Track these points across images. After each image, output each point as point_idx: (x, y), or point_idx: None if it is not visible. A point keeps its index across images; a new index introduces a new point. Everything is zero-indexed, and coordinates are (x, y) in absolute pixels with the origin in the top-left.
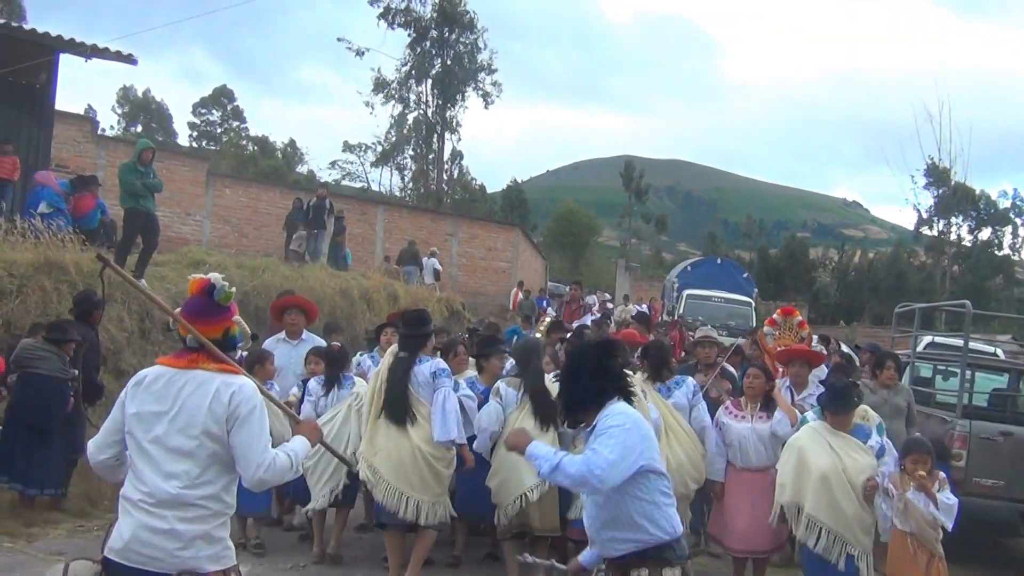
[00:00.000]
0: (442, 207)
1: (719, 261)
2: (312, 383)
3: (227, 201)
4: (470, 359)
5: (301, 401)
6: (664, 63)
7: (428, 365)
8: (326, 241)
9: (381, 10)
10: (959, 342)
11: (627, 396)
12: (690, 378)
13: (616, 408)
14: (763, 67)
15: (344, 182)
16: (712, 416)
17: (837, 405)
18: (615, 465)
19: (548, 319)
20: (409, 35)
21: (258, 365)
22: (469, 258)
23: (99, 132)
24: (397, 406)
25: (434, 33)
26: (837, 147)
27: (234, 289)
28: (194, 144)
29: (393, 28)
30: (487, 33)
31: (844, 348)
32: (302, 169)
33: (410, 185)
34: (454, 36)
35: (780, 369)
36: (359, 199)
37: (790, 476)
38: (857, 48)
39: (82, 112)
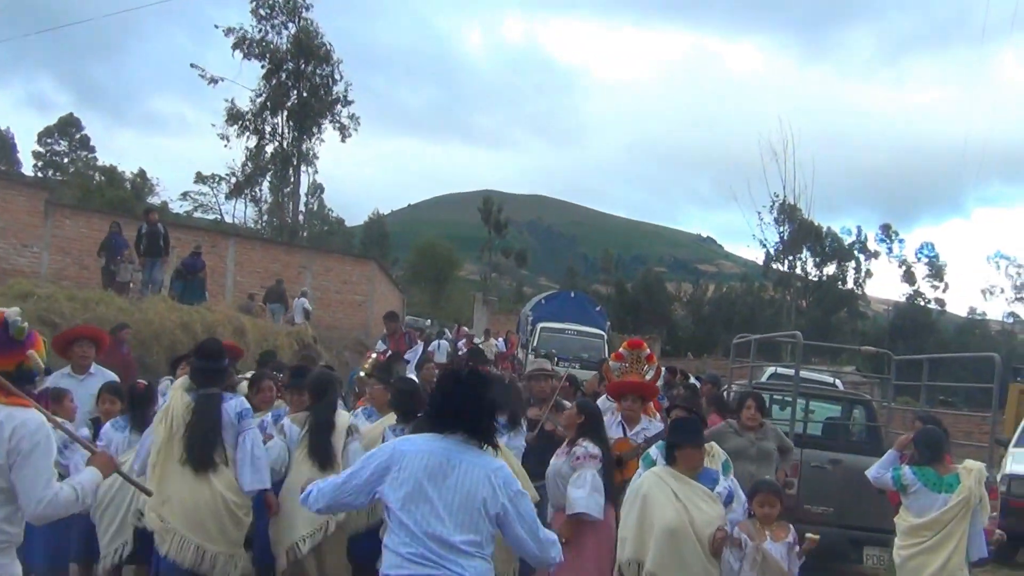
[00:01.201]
0: (298, 240)
1: (572, 295)
2: (107, 426)
3: (68, 232)
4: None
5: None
6: (524, 98)
7: (233, 404)
8: (163, 269)
9: (236, 40)
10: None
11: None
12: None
13: (492, 463)
14: (619, 104)
15: (196, 213)
16: (550, 452)
17: (684, 437)
18: None
19: (374, 355)
20: (264, 66)
21: (56, 404)
22: (323, 291)
23: None
24: (202, 450)
25: (290, 64)
26: (691, 184)
27: (27, 324)
28: (39, 174)
29: (248, 59)
30: (343, 65)
31: (691, 379)
32: (154, 200)
33: (265, 218)
34: (310, 68)
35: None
36: (209, 231)
37: (632, 530)
38: (708, 87)
39: None
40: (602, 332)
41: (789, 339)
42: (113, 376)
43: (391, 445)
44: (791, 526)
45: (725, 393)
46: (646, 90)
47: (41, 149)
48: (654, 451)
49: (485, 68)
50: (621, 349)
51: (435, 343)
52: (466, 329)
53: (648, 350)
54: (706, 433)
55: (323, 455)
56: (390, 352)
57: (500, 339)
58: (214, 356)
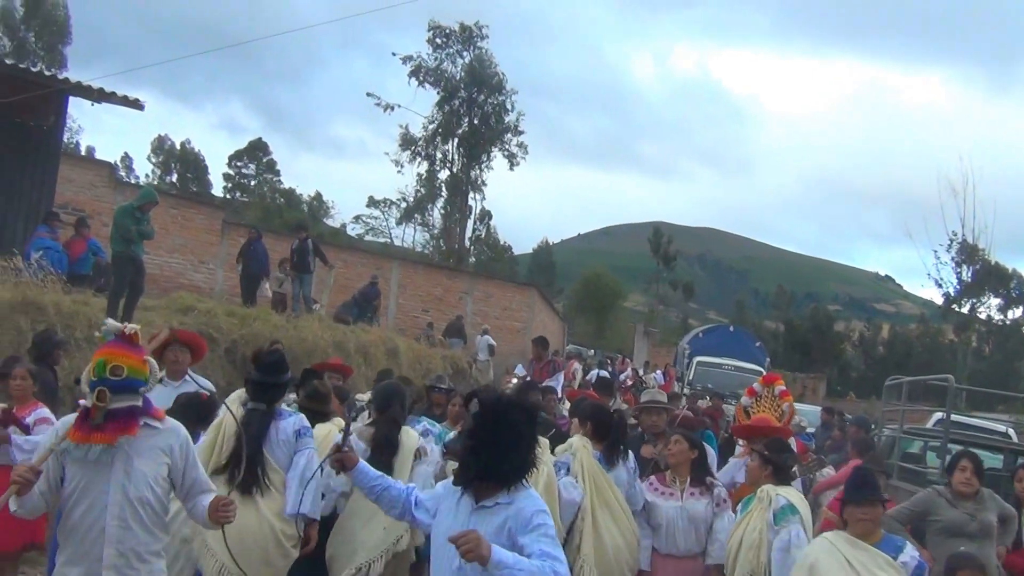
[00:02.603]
0: (465, 266)
1: (731, 329)
2: None
3: None
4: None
5: None
6: (694, 129)
7: (292, 421)
8: (312, 286)
9: (412, 68)
10: (968, 419)
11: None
12: (631, 452)
13: (536, 501)
14: (792, 136)
15: (368, 237)
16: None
17: (861, 494)
18: None
19: (515, 379)
20: (438, 93)
21: None
22: (483, 317)
23: (117, 178)
24: (246, 470)
25: (463, 93)
26: (866, 220)
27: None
28: (228, 195)
29: (424, 86)
30: (516, 96)
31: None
32: (329, 223)
33: (433, 243)
34: (483, 97)
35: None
36: (373, 254)
37: None
38: (884, 119)
39: (116, 160)
40: (761, 368)
41: (941, 382)
42: (207, 384)
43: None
44: None
45: (875, 438)
46: (819, 121)
47: (231, 171)
48: (795, 500)
49: (655, 97)
50: (755, 384)
51: (593, 372)
52: (628, 360)
53: (783, 385)
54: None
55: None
56: (528, 378)
57: (659, 372)
58: (270, 368)
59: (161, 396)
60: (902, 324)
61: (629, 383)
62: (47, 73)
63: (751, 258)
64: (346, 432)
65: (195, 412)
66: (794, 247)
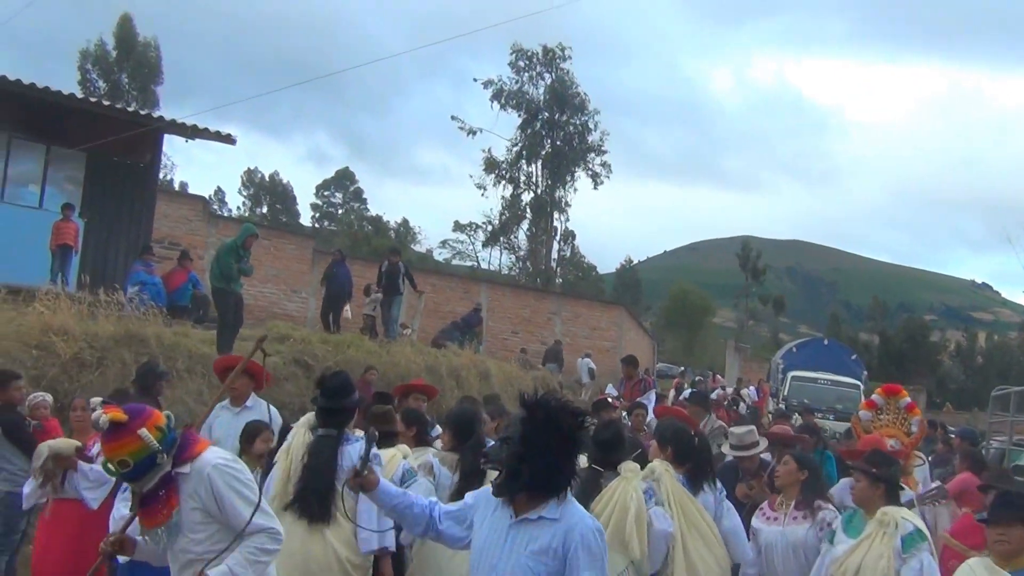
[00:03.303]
0: (552, 286)
1: (825, 342)
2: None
3: None
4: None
5: None
6: (776, 141)
7: (358, 447)
8: (401, 308)
9: (494, 91)
10: None
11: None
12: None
13: (588, 519)
14: (877, 144)
15: (455, 261)
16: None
17: (1004, 515)
18: None
19: (608, 399)
20: (520, 116)
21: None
22: (572, 337)
23: (211, 211)
24: (316, 499)
25: (545, 114)
26: (959, 226)
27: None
28: (316, 225)
29: (505, 110)
30: (598, 115)
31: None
32: (416, 248)
33: (519, 265)
34: (565, 117)
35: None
36: (461, 277)
37: None
38: (972, 124)
39: (209, 194)
40: (858, 382)
41: None
42: (271, 411)
43: None
44: None
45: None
46: (904, 128)
47: (319, 201)
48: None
49: (734, 110)
50: (875, 396)
51: (686, 391)
52: (720, 378)
53: (908, 397)
54: None
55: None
56: (620, 398)
57: (752, 387)
58: (336, 392)
59: (223, 422)
60: (1001, 332)
61: (723, 401)
62: (143, 113)
63: (841, 270)
64: (366, 453)
65: None
66: (885, 257)
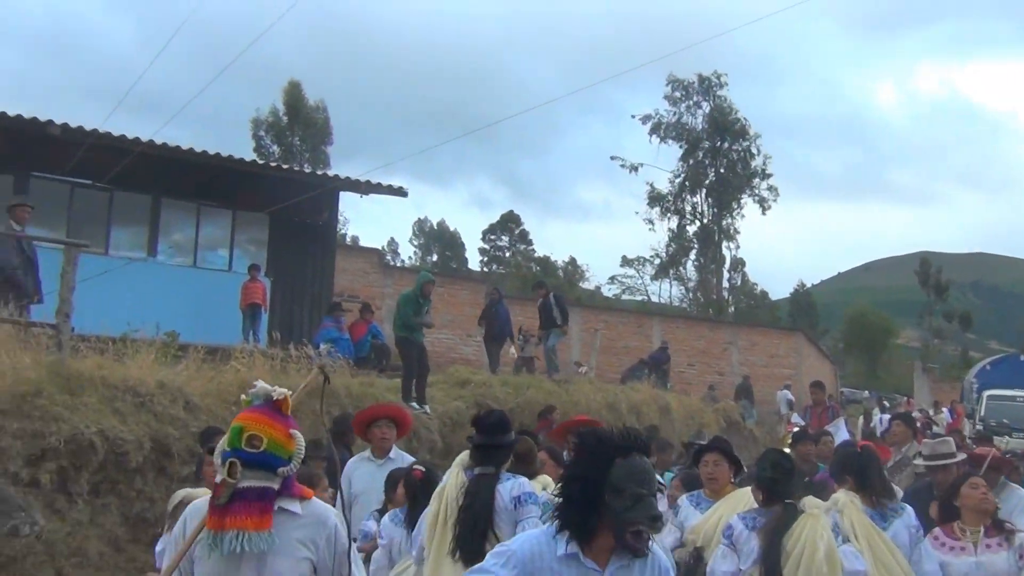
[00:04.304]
0: (724, 316)
1: (1021, 357)
2: (386, 519)
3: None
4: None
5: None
6: (947, 151)
7: (509, 486)
8: (557, 339)
9: (652, 126)
10: None
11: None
12: (909, 507)
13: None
14: None
15: (624, 296)
16: None
17: None
18: None
19: (795, 428)
20: (681, 147)
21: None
22: (750, 366)
23: (385, 263)
24: (472, 539)
25: (706, 143)
26: None
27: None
28: (484, 269)
29: (665, 142)
30: (759, 139)
31: None
32: (585, 285)
33: (690, 296)
34: (727, 145)
35: None
36: (633, 312)
37: None
38: None
39: (383, 246)
40: None
41: None
42: (412, 460)
43: None
44: None
45: None
46: None
47: (485, 245)
48: None
49: (900, 122)
50: None
51: (877, 417)
52: (913, 401)
53: None
54: None
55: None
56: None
57: (946, 409)
58: (493, 429)
59: (364, 474)
60: None
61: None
62: (319, 173)
63: None
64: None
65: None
66: None
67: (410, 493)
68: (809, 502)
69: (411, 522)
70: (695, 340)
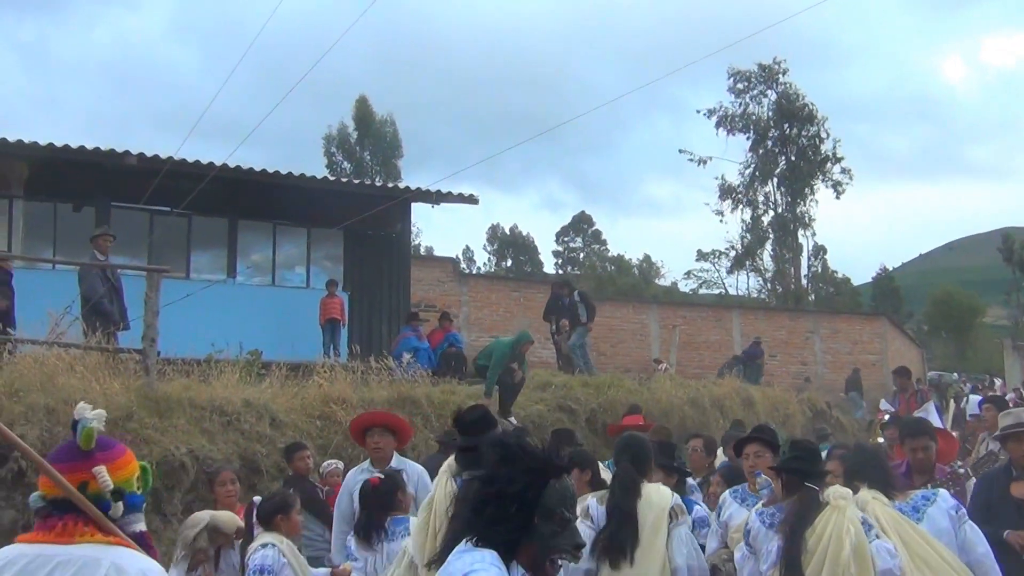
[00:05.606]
0: (805, 304)
1: None
2: (350, 539)
3: None
4: None
5: None
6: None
7: None
8: (583, 337)
9: (718, 119)
10: None
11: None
12: (943, 490)
13: None
14: None
15: (701, 290)
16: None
17: None
18: None
19: (886, 415)
20: (748, 137)
21: (282, 515)
22: (834, 354)
23: (460, 271)
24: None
25: (774, 132)
26: None
27: (96, 425)
28: (559, 271)
29: (732, 134)
30: (828, 122)
31: None
32: (660, 281)
33: (769, 286)
34: (795, 131)
35: None
36: (711, 306)
37: None
38: None
39: (457, 254)
40: None
41: None
42: (419, 469)
43: None
44: None
45: None
46: None
47: (559, 247)
48: None
49: (972, 97)
50: None
51: (966, 399)
52: (1003, 382)
53: None
54: None
55: (616, 546)
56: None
57: None
58: (473, 427)
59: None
60: None
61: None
62: (390, 185)
63: None
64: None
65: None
66: None
67: (363, 501)
68: (834, 492)
69: (365, 532)
70: (776, 331)
